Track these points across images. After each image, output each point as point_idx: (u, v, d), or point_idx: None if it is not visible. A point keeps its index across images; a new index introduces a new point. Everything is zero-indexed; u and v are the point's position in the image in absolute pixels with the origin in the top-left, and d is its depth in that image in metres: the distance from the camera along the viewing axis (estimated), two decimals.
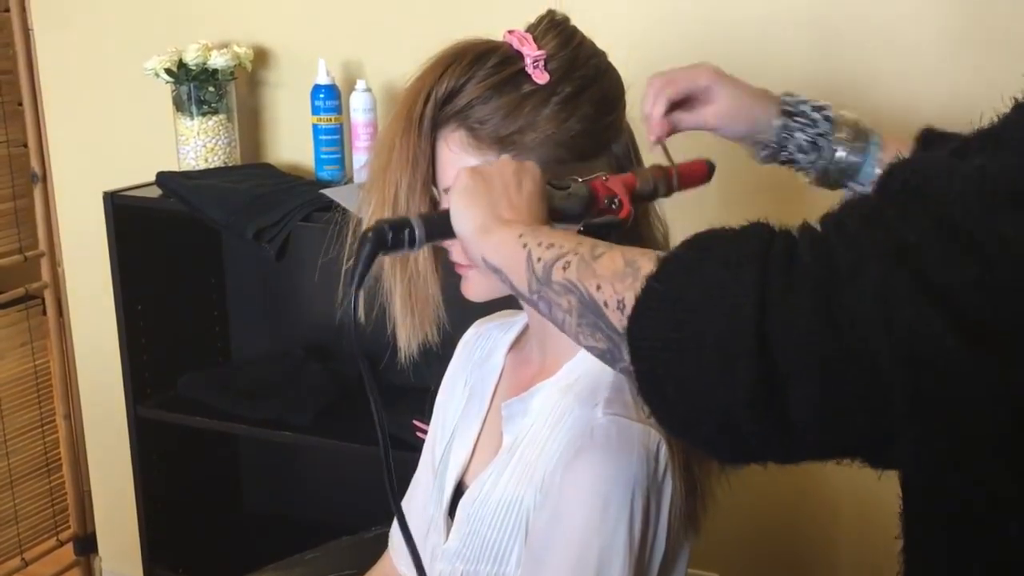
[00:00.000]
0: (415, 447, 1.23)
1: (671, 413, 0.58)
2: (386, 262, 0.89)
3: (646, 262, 0.61)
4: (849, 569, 1.59)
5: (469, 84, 0.87)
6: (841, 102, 1.43)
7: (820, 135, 0.94)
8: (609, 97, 0.91)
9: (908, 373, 0.49)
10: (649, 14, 1.52)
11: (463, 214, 0.76)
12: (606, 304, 0.62)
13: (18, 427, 2.10)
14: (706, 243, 0.58)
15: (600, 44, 0.93)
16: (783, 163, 0.97)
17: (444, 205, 0.91)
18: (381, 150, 0.88)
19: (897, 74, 1.43)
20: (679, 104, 0.96)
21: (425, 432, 1.18)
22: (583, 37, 0.92)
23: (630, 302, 0.59)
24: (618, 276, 0.61)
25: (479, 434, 1.02)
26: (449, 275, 0.94)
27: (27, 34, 1.92)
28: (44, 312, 2.11)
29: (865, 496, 1.55)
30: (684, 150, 0.95)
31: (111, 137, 1.94)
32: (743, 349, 0.52)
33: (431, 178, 0.89)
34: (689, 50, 1.50)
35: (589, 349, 0.66)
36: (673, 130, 0.96)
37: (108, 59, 1.90)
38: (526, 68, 0.87)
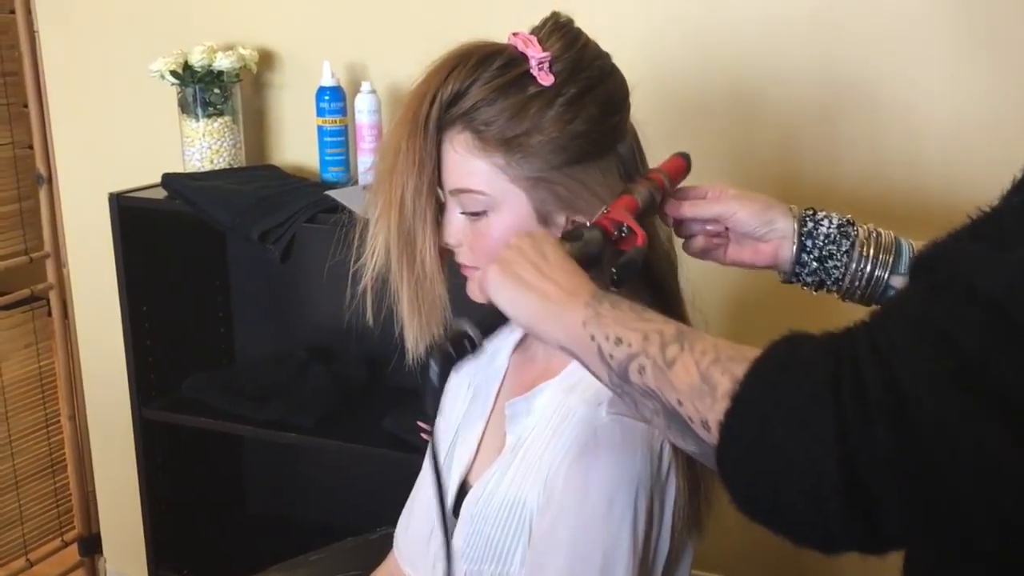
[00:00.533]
0: (420, 449, 1.23)
1: (767, 523, 0.60)
2: (392, 265, 0.90)
3: (721, 377, 0.62)
4: (854, 570, 1.59)
5: (474, 86, 0.88)
6: (844, 104, 1.45)
7: (846, 224, 0.92)
8: (614, 98, 0.92)
9: (982, 489, 0.52)
10: (653, 16, 1.52)
11: (514, 308, 0.77)
12: (691, 419, 0.64)
13: (23, 428, 2.11)
14: (777, 374, 0.59)
15: (604, 46, 0.94)
16: (816, 270, 0.93)
17: (450, 207, 0.92)
18: (387, 152, 0.89)
19: (901, 76, 1.43)
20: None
21: (430, 434, 1.18)
22: (588, 39, 0.92)
23: (714, 426, 0.61)
24: (696, 394, 0.63)
25: (483, 434, 1.03)
26: (455, 276, 0.95)
27: (32, 36, 1.93)
28: (49, 313, 2.12)
29: None
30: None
31: (116, 139, 1.95)
32: (830, 485, 0.54)
33: (437, 180, 0.90)
34: (693, 52, 1.51)
35: (684, 449, 0.69)
36: (682, 212, 0.95)
37: (113, 61, 1.91)
38: (531, 70, 0.88)
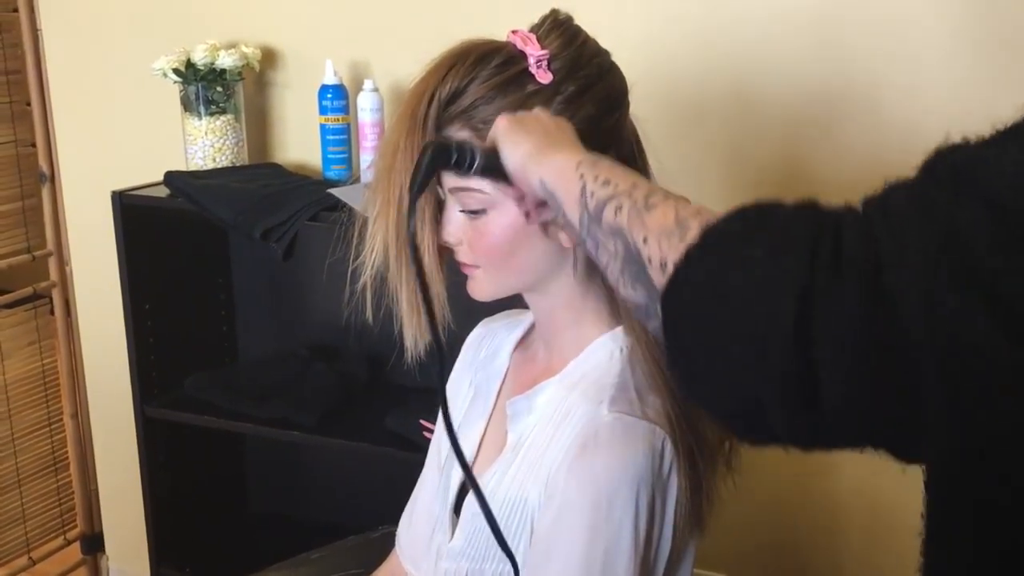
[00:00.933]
0: (422, 447, 1.24)
1: (696, 386, 0.58)
2: (391, 263, 0.90)
3: (695, 225, 0.59)
4: (855, 570, 1.59)
5: (472, 84, 0.88)
6: (846, 104, 1.45)
7: None
8: (613, 96, 0.92)
9: (947, 364, 0.48)
10: (654, 14, 1.52)
11: (512, 144, 0.78)
12: (649, 260, 0.61)
13: (26, 426, 2.12)
14: (754, 221, 0.57)
15: (604, 44, 0.94)
16: None
17: (449, 206, 0.92)
18: (386, 151, 0.89)
19: (903, 77, 1.42)
20: None
21: (433, 432, 1.19)
22: (587, 36, 0.92)
23: (672, 265, 0.58)
24: (665, 233, 0.61)
25: (484, 433, 1.03)
26: (455, 275, 0.95)
27: (35, 34, 1.94)
28: (52, 312, 2.13)
29: (872, 497, 1.55)
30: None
31: (119, 137, 1.96)
32: (779, 338, 0.51)
33: (436, 178, 0.90)
34: (693, 50, 1.51)
35: (626, 299, 0.66)
36: None
37: (116, 59, 1.92)
38: (529, 68, 0.88)
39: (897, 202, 0.53)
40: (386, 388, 1.75)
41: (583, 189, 0.70)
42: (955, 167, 0.53)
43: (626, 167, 0.73)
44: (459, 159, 0.80)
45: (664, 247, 0.60)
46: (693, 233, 0.59)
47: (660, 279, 0.60)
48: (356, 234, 0.92)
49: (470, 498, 0.98)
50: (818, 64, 1.46)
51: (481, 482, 0.98)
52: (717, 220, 0.58)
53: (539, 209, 0.84)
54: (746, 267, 0.54)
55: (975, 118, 1.42)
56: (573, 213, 0.71)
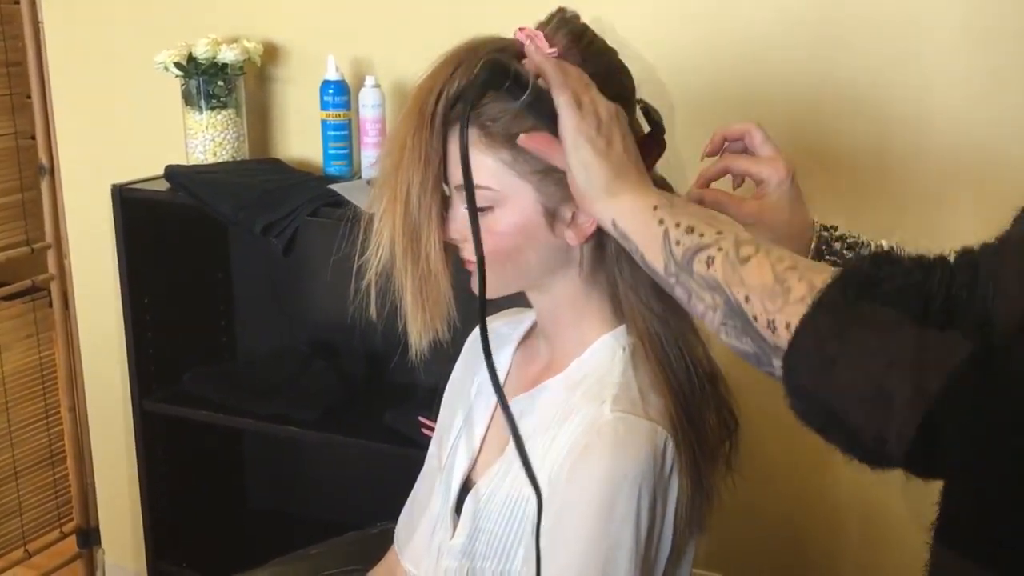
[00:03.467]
0: (421, 444, 1.24)
1: (822, 431, 0.60)
2: (397, 260, 0.90)
3: (797, 283, 0.62)
4: (853, 570, 1.60)
5: None
6: (845, 105, 1.45)
7: (858, 245, 0.93)
8: (621, 96, 0.91)
9: None
10: (661, 12, 1.52)
11: (586, 169, 0.79)
12: (755, 319, 0.64)
13: (23, 419, 2.11)
14: (858, 286, 0.59)
15: (611, 43, 0.93)
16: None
17: (455, 203, 0.92)
18: (393, 148, 0.89)
19: (910, 81, 1.42)
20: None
21: (431, 429, 1.19)
22: (594, 35, 0.92)
23: (781, 326, 0.62)
24: (768, 293, 0.63)
25: (486, 431, 1.03)
26: (459, 272, 0.95)
27: (36, 26, 1.93)
28: (50, 304, 2.12)
29: (870, 498, 1.56)
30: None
31: (119, 130, 1.95)
32: (902, 400, 0.54)
33: (443, 176, 0.90)
34: (703, 51, 1.50)
35: (731, 347, 0.68)
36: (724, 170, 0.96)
37: (117, 52, 1.91)
38: None
39: (1010, 277, 0.55)
40: (386, 386, 1.75)
41: (666, 236, 0.71)
42: None
43: (701, 207, 0.75)
44: (512, 85, 0.81)
45: (769, 307, 0.63)
46: (798, 292, 0.61)
47: (771, 337, 0.63)
48: (361, 231, 0.91)
49: (471, 496, 0.98)
50: (824, 67, 1.45)
51: (483, 480, 0.98)
52: (826, 285, 0.60)
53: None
54: (863, 330, 0.56)
55: (980, 118, 1.43)
56: (655, 259, 0.72)
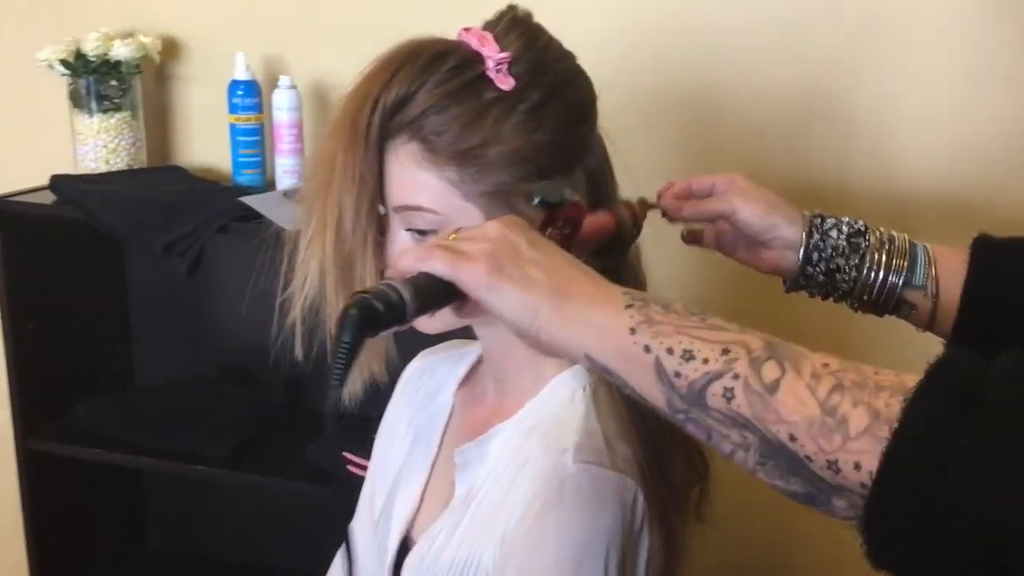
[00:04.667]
0: (349, 484, 1.14)
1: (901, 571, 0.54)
2: (328, 294, 0.80)
3: (852, 410, 0.53)
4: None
5: (422, 90, 0.78)
6: (814, 107, 1.41)
7: (857, 238, 0.87)
8: (580, 105, 0.84)
9: None
10: (620, 10, 1.45)
11: (523, 312, 0.63)
12: (809, 459, 0.54)
13: None
14: (946, 413, 0.51)
15: (567, 45, 0.85)
16: (823, 283, 0.88)
17: (394, 226, 0.83)
18: (320, 166, 0.79)
19: (876, 82, 1.40)
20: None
21: (358, 467, 1.09)
22: (550, 37, 0.84)
23: (848, 467, 0.53)
24: (818, 430, 0.54)
25: (427, 483, 0.95)
26: None
27: None
28: None
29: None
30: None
31: (1, 134, 1.79)
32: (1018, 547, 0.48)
33: (379, 196, 0.81)
34: (665, 52, 1.45)
35: (773, 486, 0.58)
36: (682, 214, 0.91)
37: None
38: (487, 72, 0.80)
39: None
40: (307, 415, 1.65)
41: (659, 367, 0.59)
42: None
43: (684, 305, 0.62)
44: (390, 318, 0.63)
45: (825, 446, 0.53)
46: (859, 424, 0.53)
47: (834, 478, 0.54)
48: (285, 260, 0.82)
49: (412, 559, 0.89)
50: (790, 67, 1.42)
51: (425, 539, 0.89)
52: (903, 414, 0.52)
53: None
54: (964, 469, 0.49)
55: (948, 127, 1.40)
56: (654, 395, 0.60)
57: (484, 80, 0.80)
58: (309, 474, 1.50)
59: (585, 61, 0.86)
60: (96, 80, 1.59)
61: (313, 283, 0.81)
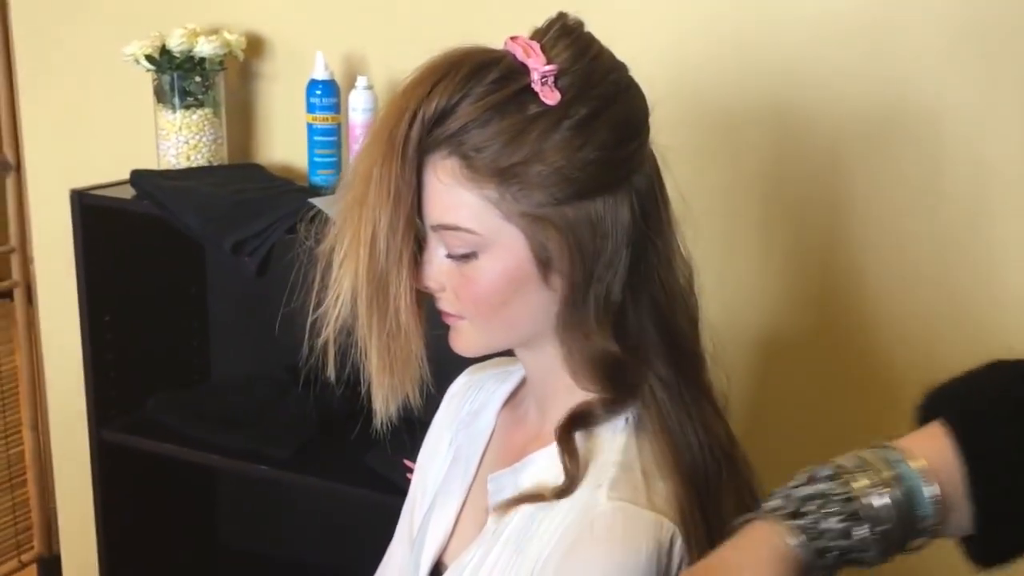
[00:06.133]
0: (404, 490, 1.14)
1: None
2: (361, 314, 0.80)
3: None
4: None
5: (464, 103, 0.77)
6: (901, 130, 1.33)
7: (845, 500, 0.64)
8: (631, 121, 0.81)
9: None
10: (679, 19, 1.40)
11: None
12: None
13: None
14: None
15: (620, 55, 0.83)
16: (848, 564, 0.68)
17: (431, 245, 0.82)
18: (356, 179, 0.79)
19: (970, 98, 1.31)
20: None
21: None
22: (601, 47, 0.82)
23: None
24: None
25: (462, 506, 0.93)
26: (434, 325, 0.84)
27: (3, 11, 1.85)
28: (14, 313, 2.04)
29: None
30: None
31: (87, 128, 1.86)
32: None
33: (416, 212, 0.80)
34: (727, 67, 1.39)
35: None
36: None
37: (86, 42, 1.82)
38: (532, 85, 0.77)
39: None
40: (371, 416, 1.64)
41: None
42: None
43: None
44: None
45: None
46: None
47: None
48: (318, 277, 0.81)
49: None
50: (872, 79, 1.34)
51: (456, 567, 0.88)
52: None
53: None
54: None
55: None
56: None
57: (528, 93, 0.77)
58: (367, 480, 1.50)
59: (640, 73, 0.83)
60: (180, 76, 1.61)
61: (346, 303, 0.80)
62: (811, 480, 0.65)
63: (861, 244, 1.39)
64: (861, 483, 0.63)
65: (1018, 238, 1.32)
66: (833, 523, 0.62)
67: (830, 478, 0.64)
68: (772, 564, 0.63)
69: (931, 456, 0.63)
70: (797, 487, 0.65)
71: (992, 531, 0.65)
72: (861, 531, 0.62)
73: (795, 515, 0.64)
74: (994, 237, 1.33)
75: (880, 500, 0.62)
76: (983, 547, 0.66)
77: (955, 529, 0.65)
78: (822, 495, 0.63)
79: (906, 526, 0.63)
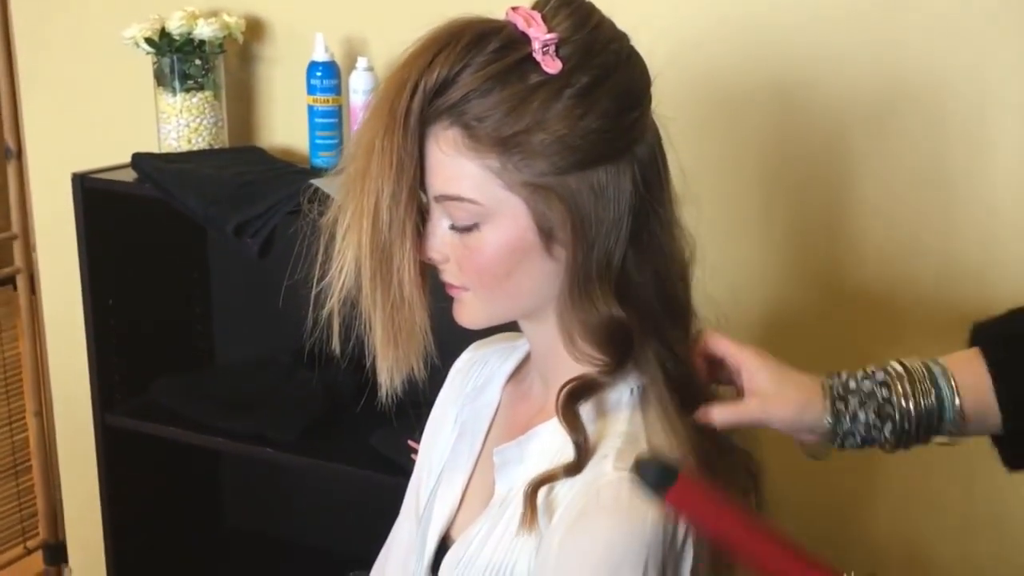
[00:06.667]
0: (409, 471, 1.15)
1: None
2: (364, 286, 0.80)
3: None
4: None
5: (465, 73, 0.77)
6: (904, 104, 1.33)
7: (884, 403, 0.83)
8: (632, 90, 0.81)
9: None
10: None
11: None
12: None
13: None
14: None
15: (621, 25, 0.83)
16: (862, 447, 0.86)
17: (434, 216, 0.82)
18: (358, 151, 0.79)
19: (974, 73, 1.31)
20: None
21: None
22: (602, 16, 0.82)
23: None
24: None
25: (469, 480, 0.94)
26: (439, 298, 0.85)
27: None
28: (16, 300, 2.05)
29: (914, 536, 1.45)
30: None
31: (87, 112, 1.86)
32: None
33: (418, 182, 0.80)
34: (728, 33, 1.39)
35: None
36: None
37: (85, 25, 1.82)
38: (534, 54, 0.78)
39: None
40: (378, 400, 1.65)
41: None
42: None
43: None
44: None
45: None
46: None
47: None
48: (321, 249, 0.82)
49: (449, 559, 0.89)
50: (875, 52, 1.34)
51: (463, 540, 0.88)
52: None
53: None
54: None
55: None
56: None
57: (530, 62, 0.78)
58: (373, 462, 1.51)
59: (640, 42, 0.83)
60: (180, 59, 1.61)
61: (349, 274, 0.81)
62: (866, 377, 0.83)
63: (863, 221, 1.39)
64: (901, 389, 0.81)
65: (1020, 211, 1.32)
66: (866, 415, 0.82)
67: (882, 384, 0.82)
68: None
69: (965, 371, 0.81)
70: (852, 379, 0.84)
71: (1017, 432, 0.80)
72: (887, 428, 0.81)
73: (839, 399, 0.83)
74: (996, 212, 1.33)
75: (910, 405, 0.81)
76: (1010, 447, 0.82)
77: (991, 428, 0.81)
78: (869, 394, 0.82)
79: (929, 428, 0.81)
